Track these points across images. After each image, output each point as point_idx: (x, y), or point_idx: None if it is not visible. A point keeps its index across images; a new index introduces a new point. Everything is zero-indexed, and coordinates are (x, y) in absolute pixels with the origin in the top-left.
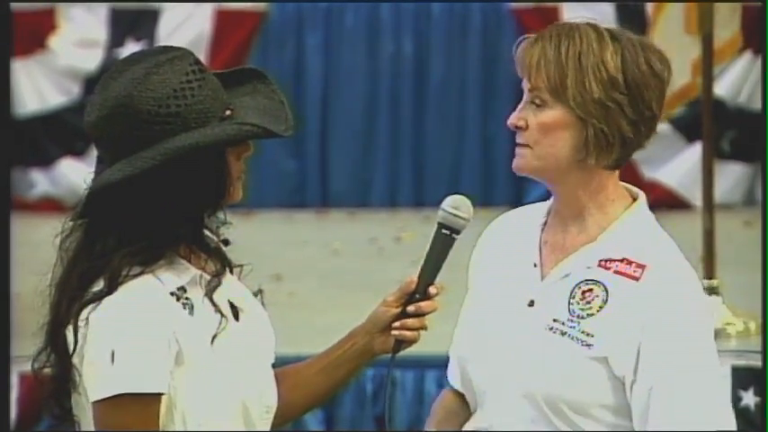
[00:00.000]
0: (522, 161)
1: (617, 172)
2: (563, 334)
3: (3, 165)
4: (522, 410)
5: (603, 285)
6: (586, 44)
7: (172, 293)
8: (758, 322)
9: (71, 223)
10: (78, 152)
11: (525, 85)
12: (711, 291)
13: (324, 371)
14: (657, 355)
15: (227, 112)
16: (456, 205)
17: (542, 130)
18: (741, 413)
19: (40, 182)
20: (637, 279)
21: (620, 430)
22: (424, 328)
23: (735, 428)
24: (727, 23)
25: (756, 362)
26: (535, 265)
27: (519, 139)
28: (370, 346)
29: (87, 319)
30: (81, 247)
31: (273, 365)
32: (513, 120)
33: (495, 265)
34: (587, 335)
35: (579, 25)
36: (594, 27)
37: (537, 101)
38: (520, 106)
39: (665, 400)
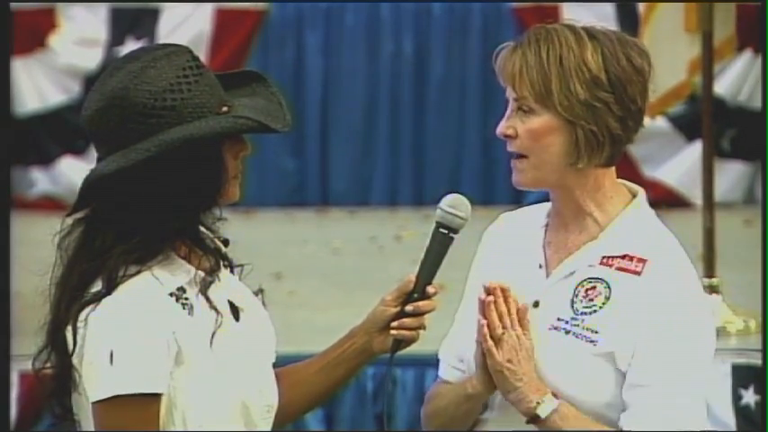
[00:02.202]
0: (521, 175)
1: (613, 169)
2: (567, 332)
3: (3, 163)
4: None
5: (606, 282)
6: (566, 46)
7: (171, 294)
8: (758, 320)
9: (70, 222)
10: (78, 151)
11: (510, 94)
12: (712, 289)
13: (323, 370)
14: (646, 352)
15: (224, 108)
16: (454, 204)
17: (532, 138)
18: (741, 411)
19: (40, 180)
20: (638, 274)
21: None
22: (422, 327)
23: (705, 428)
24: (724, 22)
25: (756, 360)
26: (540, 266)
27: (511, 148)
28: (369, 345)
29: (86, 319)
30: (80, 246)
31: (274, 365)
32: (501, 129)
33: (500, 267)
34: (592, 331)
35: (556, 28)
36: (571, 28)
37: (524, 108)
38: (507, 114)
39: (643, 396)
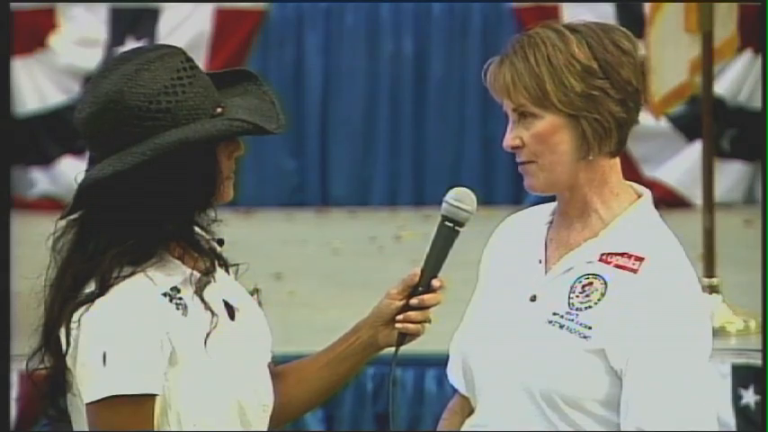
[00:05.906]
0: (533, 179)
1: (619, 164)
2: (561, 327)
3: (3, 164)
4: (519, 405)
5: (603, 279)
6: (551, 45)
7: (164, 294)
8: (758, 321)
9: (63, 223)
10: (78, 151)
11: (507, 106)
12: (711, 289)
13: (329, 365)
14: (643, 350)
15: (218, 110)
16: (459, 197)
17: (539, 141)
18: (741, 412)
19: (40, 180)
20: (635, 272)
21: (614, 427)
22: (427, 320)
23: (714, 427)
24: (725, 23)
25: (756, 360)
26: (540, 262)
27: (520, 158)
28: (374, 339)
29: (79, 320)
30: (74, 248)
31: (273, 364)
32: (507, 142)
33: (503, 264)
34: (585, 327)
35: (537, 31)
36: (552, 27)
37: (525, 114)
38: (510, 126)
39: (644, 396)
